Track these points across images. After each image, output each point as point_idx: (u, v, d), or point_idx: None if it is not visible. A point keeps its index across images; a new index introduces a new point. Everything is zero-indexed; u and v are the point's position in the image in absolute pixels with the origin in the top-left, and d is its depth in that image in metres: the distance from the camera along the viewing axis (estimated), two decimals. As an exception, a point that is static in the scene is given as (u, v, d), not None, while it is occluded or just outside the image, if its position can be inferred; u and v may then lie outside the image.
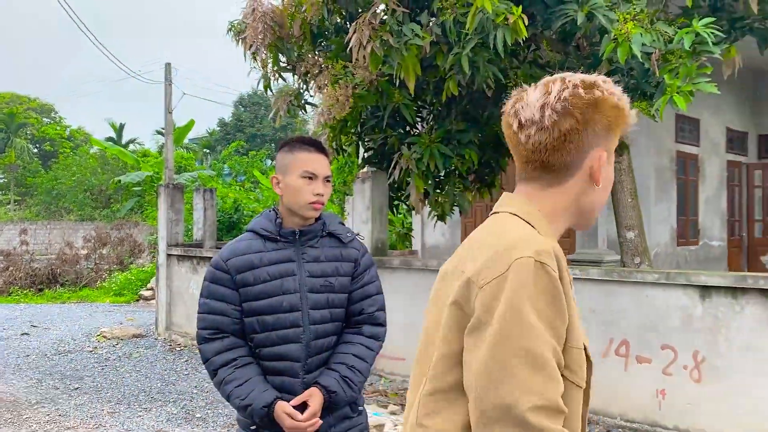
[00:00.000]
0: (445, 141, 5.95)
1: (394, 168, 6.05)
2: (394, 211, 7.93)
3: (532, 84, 1.27)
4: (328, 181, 2.14)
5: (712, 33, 4.77)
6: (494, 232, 1.23)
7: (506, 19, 4.46)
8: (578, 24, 4.71)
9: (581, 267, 5.51)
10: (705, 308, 4.56)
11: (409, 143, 6.03)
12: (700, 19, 4.86)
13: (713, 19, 4.87)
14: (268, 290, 2.06)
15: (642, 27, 4.75)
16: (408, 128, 6.68)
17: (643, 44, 4.69)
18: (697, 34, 4.76)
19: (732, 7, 6.38)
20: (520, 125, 1.22)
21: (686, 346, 4.61)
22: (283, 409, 2.01)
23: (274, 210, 2.18)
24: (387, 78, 5.66)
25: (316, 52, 6.35)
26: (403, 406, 5.53)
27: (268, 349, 2.07)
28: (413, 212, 10.02)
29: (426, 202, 6.52)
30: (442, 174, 6.32)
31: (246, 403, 2.01)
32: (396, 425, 4.95)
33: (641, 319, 4.85)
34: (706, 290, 4.56)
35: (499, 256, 1.14)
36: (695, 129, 10.86)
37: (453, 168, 6.23)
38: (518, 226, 1.21)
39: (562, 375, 1.10)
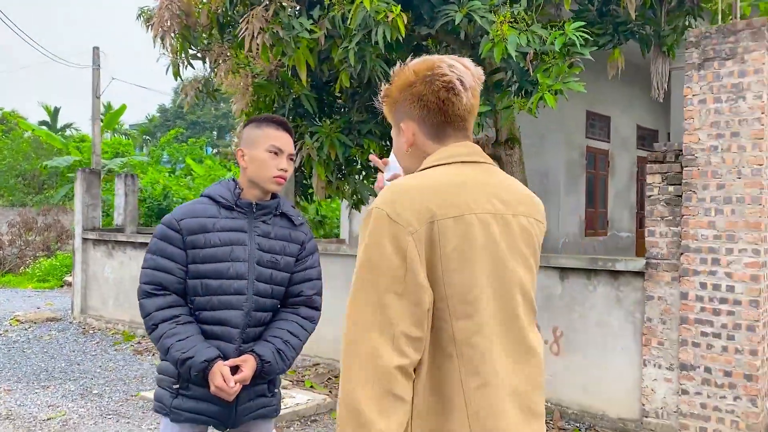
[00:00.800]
0: (345, 131, 6.24)
1: (297, 156, 6.31)
2: (308, 198, 8.19)
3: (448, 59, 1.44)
4: (291, 159, 2.22)
5: (583, 36, 5.17)
6: (509, 180, 1.45)
7: (387, 16, 4.77)
8: (457, 24, 5.05)
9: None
10: (564, 287, 4.99)
11: (312, 132, 6.29)
12: (572, 23, 5.26)
13: (583, 24, 5.28)
14: (217, 255, 2.10)
15: (517, 29, 5.12)
16: (316, 118, 6.94)
17: (519, 45, 5.06)
18: (570, 38, 5.16)
19: (617, 12, 6.86)
20: (464, 89, 1.40)
21: (548, 322, 5.04)
22: (221, 368, 2.06)
23: (233, 180, 2.23)
24: (286, 69, 5.90)
25: (223, 41, 6.54)
26: (296, 382, 5.82)
27: (208, 312, 2.11)
28: (343, 202, 10.31)
29: (328, 190, 6.79)
30: (342, 162, 6.60)
31: (188, 355, 2.03)
32: (281, 398, 5.23)
33: (511, 299, 5.24)
34: (564, 272, 5.00)
35: (537, 199, 1.49)
36: (606, 126, 11.46)
37: (354, 157, 6.53)
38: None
39: None
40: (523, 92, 5.71)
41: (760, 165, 4.13)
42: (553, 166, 10.32)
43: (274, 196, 2.25)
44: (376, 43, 4.85)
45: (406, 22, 4.85)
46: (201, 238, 2.10)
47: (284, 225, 2.24)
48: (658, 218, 4.55)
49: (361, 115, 6.36)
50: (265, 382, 2.21)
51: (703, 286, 4.32)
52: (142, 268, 2.16)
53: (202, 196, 2.23)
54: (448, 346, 1.29)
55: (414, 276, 1.26)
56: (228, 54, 6.32)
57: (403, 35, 4.88)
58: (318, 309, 2.31)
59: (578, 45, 5.17)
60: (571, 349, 4.95)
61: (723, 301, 4.24)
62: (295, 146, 6.51)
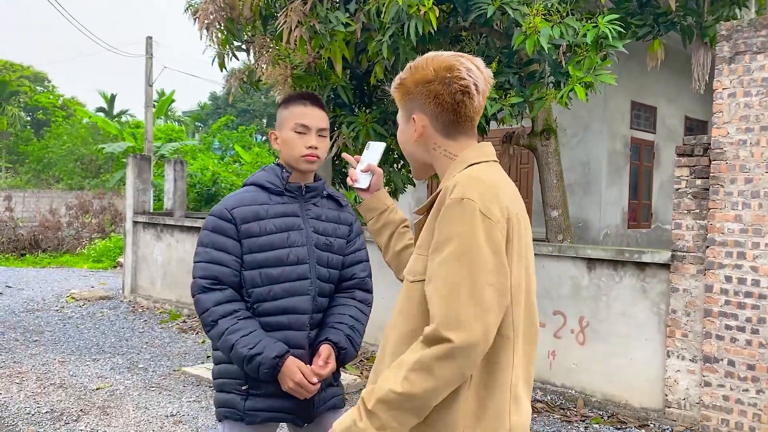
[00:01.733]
0: (381, 121, 6.40)
1: (333, 145, 6.50)
2: (346, 186, 8.40)
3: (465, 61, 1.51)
4: (323, 135, 2.10)
5: (616, 29, 5.19)
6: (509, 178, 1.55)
7: (419, 10, 4.89)
8: (489, 17, 5.13)
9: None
10: (590, 278, 5.06)
11: (348, 122, 6.48)
12: (606, 16, 5.27)
13: (616, 16, 5.29)
14: (274, 242, 2.01)
15: (551, 22, 5.17)
16: (354, 109, 7.13)
17: (552, 37, 5.11)
18: (601, 30, 5.18)
19: (657, 3, 6.79)
20: (477, 92, 1.50)
21: (574, 312, 5.12)
22: (297, 364, 1.96)
23: (278, 165, 2.13)
24: (324, 61, 6.09)
25: (265, 33, 6.76)
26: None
27: (269, 303, 2.00)
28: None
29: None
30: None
31: (255, 351, 1.92)
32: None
33: (538, 288, 5.33)
34: (591, 262, 5.06)
35: None
36: (652, 116, 11.28)
37: (390, 147, 6.69)
38: None
39: None
40: (555, 84, 5.75)
41: (789, 159, 4.10)
42: (596, 156, 10.24)
43: (316, 178, 2.17)
44: (409, 36, 4.98)
45: (438, 15, 4.96)
46: (255, 226, 2.01)
47: (332, 206, 2.17)
48: (685, 211, 4.57)
49: (395, 105, 6.50)
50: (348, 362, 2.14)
51: (729, 279, 4.33)
52: (195, 262, 2.04)
53: (246, 184, 2.13)
54: (507, 330, 1.40)
55: (504, 269, 1.35)
56: (270, 46, 6.54)
57: (435, 29, 4.99)
58: (371, 292, 2.23)
59: (611, 38, 5.19)
60: (596, 339, 5.01)
61: (748, 294, 4.25)
62: (332, 136, 6.75)
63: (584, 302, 5.07)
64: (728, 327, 4.32)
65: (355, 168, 1.89)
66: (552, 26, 5.12)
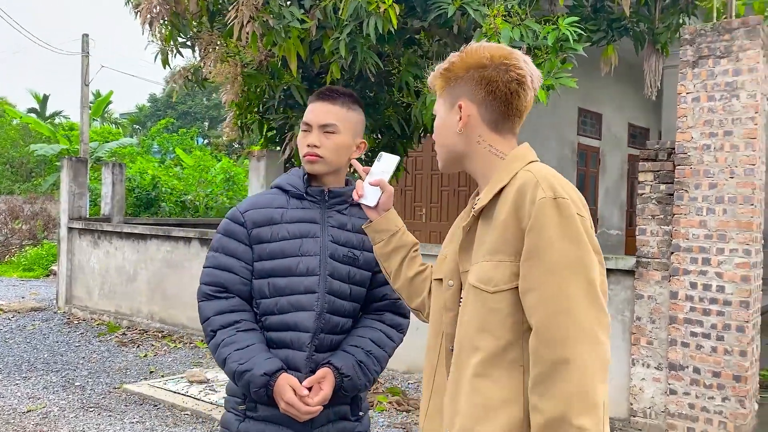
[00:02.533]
0: (336, 123, 6.16)
1: (286, 147, 6.23)
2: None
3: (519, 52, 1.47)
4: (329, 131, 1.85)
5: (576, 32, 5.12)
6: None
7: (378, 7, 4.69)
8: (450, 17, 4.98)
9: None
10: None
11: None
12: (566, 18, 5.20)
13: (577, 19, 5.22)
14: (285, 249, 1.83)
15: (511, 23, 5.06)
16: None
17: (513, 39, 5.00)
18: (563, 32, 5.10)
19: (611, 9, 6.81)
20: (532, 85, 1.46)
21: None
22: (288, 380, 1.74)
23: (301, 167, 1.95)
24: (276, 58, 5.82)
25: (213, 29, 6.43)
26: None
27: (275, 317, 1.82)
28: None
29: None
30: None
31: (245, 368, 1.74)
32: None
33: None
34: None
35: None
36: (598, 123, 11.44)
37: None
38: None
39: None
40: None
41: (753, 165, 4.09)
42: (546, 161, 10.14)
43: (348, 183, 1.96)
44: (368, 34, 4.77)
45: (398, 13, 4.78)
46: (267, 230, 1.83)
47: (363, 216, 1.88)
48: (649, 217, 4.51)
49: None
50: (347, 401, 1.88)
51: (694, 285, 4.29)
52: (204, 267, 1.88)
53: (273, 187, 1.97)
54: None
55: (601, 269, 1.29)
56: (218, 42, 6.22)
57: (396, 27, 4.81)
58: (407, 316, 1.98)
59: (571, 41, 5.11)
60: (560, 347, 4.91)
61: (713, 301, 4.21)
62: (285, 139, 6.47)
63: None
64: (693, 334, 4.28)
65: (363, 180, 1.68)
66: (512, 28, 5.01)
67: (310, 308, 1.81)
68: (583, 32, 5.34)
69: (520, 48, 5.21)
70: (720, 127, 4.20)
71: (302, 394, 1.73)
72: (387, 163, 1.69)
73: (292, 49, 5.16)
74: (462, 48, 1.45)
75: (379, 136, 6.89)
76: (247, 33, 4.97)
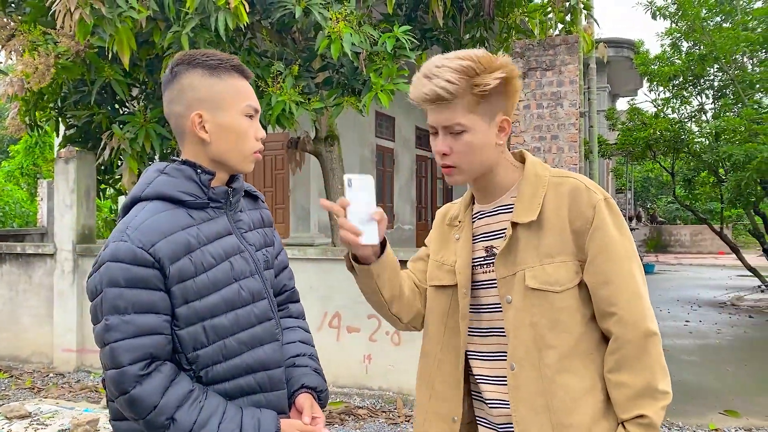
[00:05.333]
0: (162, 121, 5.75)
1: (104, 148, 5.66)
2: (101, 195, 7.39)
3: None
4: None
5: (409, 40, 5.42)
6: None
7: (228, 3, 4.51)
8: (296, 17, 4.96)
9: (300, 248, 5.83)
10: (404, 280, 5.21)
11: (122, 122, 5.69)
12: (398, 27, 5.48)
13: (410, 27, 5.54)
14: (216, 279, 1.42)
15: (351, 28, 5.19)
16: (119, 106, 6.29)
17: (353, 44, 5.13)
18: (398, 39, 5.37)
19: (423, 19, 7.30)
20: None
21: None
22: (293, 425, 1.47)
23: (189, 163, 1.46)
24: (96, 50, 5.27)
25: (5, 14, 5.59)
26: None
27: (224, 364, 1.44)
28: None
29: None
30: (158, 156, 6.09)
31: None
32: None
33: (352, 293, 5.33)
34: (403, 264, 5.20)
35: None
36: (391, 126, 12.12)
37: (171, 150, 6.06)
38: None
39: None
40: (352, 91, 5.81)
41: (575, 164, 4.74)
42: (349, 163, 10.62)
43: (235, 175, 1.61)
44: (216, 30, 4.55)
45: (248, 10, 4.64)
46: (188, 263, 1.39)
47: (251, 206, 1.63)
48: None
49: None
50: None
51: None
52: (111, 342, 1.34)
53: (144, 199, 1.44)
54: None
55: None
56: (15, 29, 5.42)
57: (246, 23, 4.66)
58: (300, 302, 1.76)
59: (407, 48, 5.42)
60: (412, 339, 5.18)
61: (546, 284, 4.79)
62: (100, 137, 5.87)
63: (399, 304, 5.20)
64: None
65: (345, 217, 1.41)
66: (353, 33, 5.15)
67: (272, 339, 1.50)
68: (415, 41, 5.68)
69: (359, 53, 5.38)
70: (548, 131, 4.78)
71: (313, 428, 1.50)
72: (364, 186, 1.45)
73: (125, 41, 4.72)
74: (473, 58, 1.37)
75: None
76: (74, 21, 4.42)
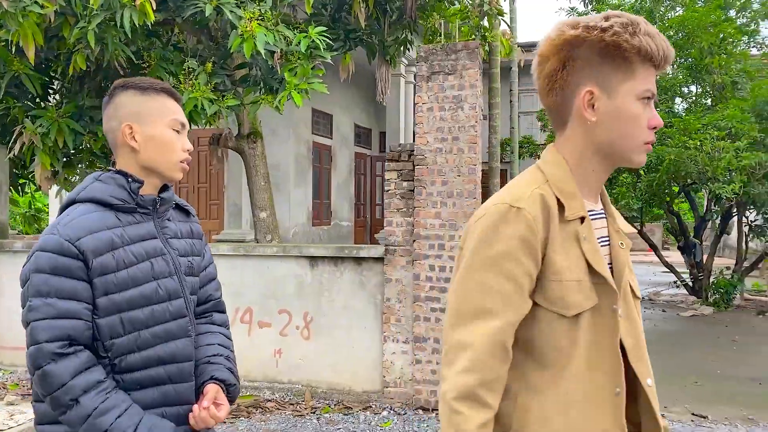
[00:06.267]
0: (75, 116, 5.72)
1: (15, 142, 5.60)
2: (20, 190, 7.28)
3: None
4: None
5: (325, 40, 5.53)
6: (507, 184, 1.33)
7: (134, 0, 4.54)
8: (207, 15, 5.02)
9: (214, 245, 5.89)
10: (313, 275, 5.33)
11: (34, 116, 5.64)
12: (315, 27, 5.58)
13: (325, 28, 5.65)
14: (136, 276, 1.59)
15: (266, 27, 5.27)
16: (40, 100, 6.22)
17: (267, 43, 5.21)
18: (313, 40, 5.47)
19: (347, 20, 7.43)
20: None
21: (299, 309, 5.34)
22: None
23: (121, 172, 1.65)
24: (4, 44, 5.21)
25: None
26: (24, 396, 5.20)
27: (138, 354, 1.58)
28: (57, 196, 9.29)
29: (55, 180, 6.17)
30: (73, 151, 6.06)
31: None
32: (12, 415, 4.66)
33: (263, 288, 5.43)
34: (314, 260, 5.34)
35: (488, 203, 1.27)
36: (329, 123, 12.21)
37: (85, 145, 6.03)
38: (526, 175, 1.30)
39: (536, 304, 1.21)
40: (269, 89, 5.89)
41: (475, 165, 4.94)
42: (284, 159, 10.70)
43: (165, 186, 1.78)
44: (122, 26, 4.58)
45: (155, 8, 4.67)
46: (111, 258, 1.56)
47: (181, 218, 1.80)
48: (395, 210, 5.14)
49: (92, 100, 5.89)
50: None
51: (432, 268, 5.02)
52: (32, 321, 1.51)
53: (78, 201, 1.62)
54: None
55: None
56: None
57: (152, 21, 4.69)
58: (225, 312, 1.93)
59: (321, 48, 5.53)
60: (321, 332, 5.31)
61: (447, 280, 4.98)
62: (12, 132, 5.79)
63: (308, 299, 5.33)
64: (433, 309, 5.01)
65: None
66: (267, 32, 5.23)
67: (185, 335, 1.66)
68: (331, 41, 5.80)
69: (274, 52, 5.47)
70: (449, 133, 4.97)
71: (209, 412, 1.64)
72: None
73: (29, 35, 4.70)
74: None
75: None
76: (-26, 14, 4.38)
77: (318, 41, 5.45)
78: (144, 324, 1.59)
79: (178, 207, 1.81)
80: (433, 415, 4.90)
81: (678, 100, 10.14)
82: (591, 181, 1.29)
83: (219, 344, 1.79)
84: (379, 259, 5.18)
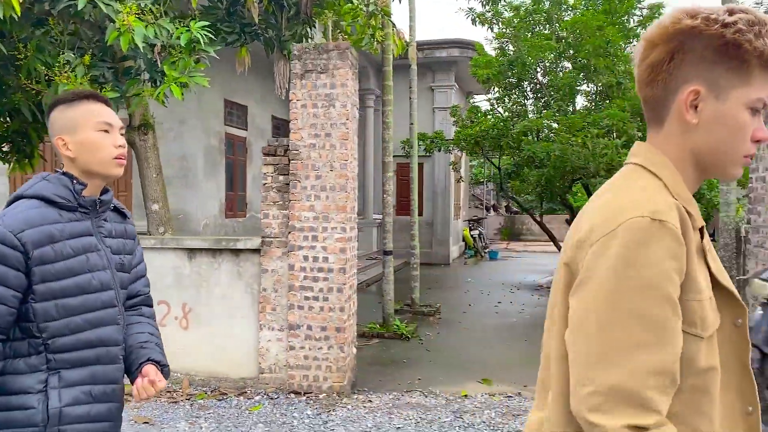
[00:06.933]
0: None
1: None
2: None
3: None
4: (122, 134, 1.90)
5: (206, 35, 5.62)
6: (615, 187, 1.16)
7: (-1, -8, 4.53)
8: (80, 9, 5.04)
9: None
10: (192, 267, 5.45)
11: None
12: (198, 22, 5.65)
13: (208, 23, 5.74)
14: (73, 267, 1.76)
15: (145, 21, 5.32)
16: None
17: (147, 36, 5.27)
18: (194, 34, 5.55)
19: (243, 14, 7.51)
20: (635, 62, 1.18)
21: (177, 299, 5.45)
22: None
23: (66, 174, 1.82)
24: None
25: None
26: None
27: (69, 337, 1.77)
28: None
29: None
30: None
31: None
32: None
33: (142, 280, 5.51)
34: (192, 252, 5.46)
35: (613, 214, 1.07)
36: (243, 115, 12.22)
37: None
38: (640, 180, 1.14)
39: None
40: (152, 81, 5.93)
41: (346, 160, 5.16)
42: (193, 151, 10.67)
43: (105, 189, 1.95)
44: (-11, 18, 4.56)
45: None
46: (50, 250, 1.74)
47: (117, 219, 1.98)
48: (272, 203, 5.31)
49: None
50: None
51: (306, 258, 5.22)
52: None
53: (25, 197, 1.79)
54: None
55: None
56: None
57: (19, 14, 4.68)
58: (152, 306, 2.15)
59: (203, 43, 5.62)
60: (199, 322, 5.44)
61: (320, 270, 5.20)
62: None
63: (187, 290, 5.44)
64: (307, 298, 5.22)
65: None
66: (146, 26, 5.29)
67: (113, 322, 1.86)
68: (214, 36, 5.89)
69: (155, 45, 5.53)
70: (322, 129, 5.17)
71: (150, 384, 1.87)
72: None
73: None
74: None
75: (9, 120, 6.49)
76: None
77: (199, 36, 5.54)
78: (76, 310, 1.78)
79: (116, 209, 2.01)
80: (304, 398, 5.12)
81: (580, 98, 10.68)
82: (687, 188, 1.16)
83: (149, 333, 2.00)
84: (256, 251, 5.35)
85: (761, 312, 3.10)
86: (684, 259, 1.04)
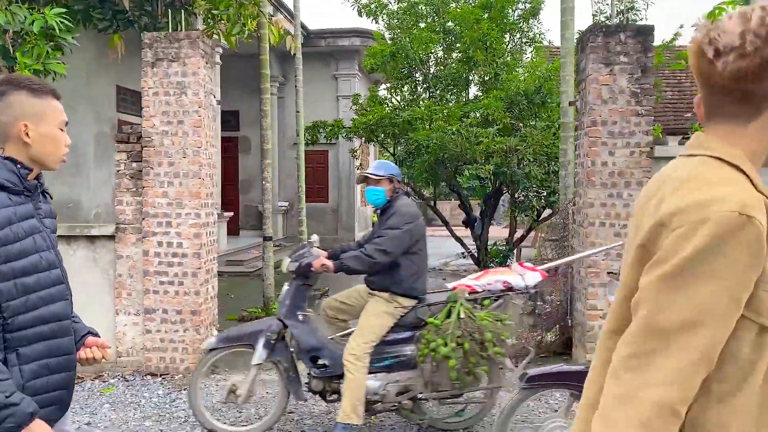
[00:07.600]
0: None
1: None
2: None
3: (726, 14, 1.19)
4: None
5: (62, 22, 5.60)
6: (697, 176, 1.14)
7: None
8: None
9: None
10: (46, 254, 5.47)
11: None
12: (61, 9, 5.62)
13: (64, 10, 5.71)
14: (26, 248, 1.87)
15: (-4, 7, 5.27)
16: None
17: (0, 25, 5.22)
18: (48, 22, 5.53)
19: (115, 1, 7.47)
20: (717, 52, 1.13)
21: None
22: (43, 427, 1.82)
23: (11, 159, 1.90)
24: None
25: None
26: None
27: (27, 315, 1.87)
28: None
29: None
30: None
31: (11, 401, 1.75)
32: None
33: None
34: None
35: (701, 203, 1.07)
36: (137, 100, 12.03)
37: None
38: (722, 171, 1.14)
39: (743, 317, 1.08)
40: (8, 69, 5.87)
41: (199, 147, 5.29)
42: (84, 139, 10.48)
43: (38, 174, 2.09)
44: None
45: None
46: (9, 232, 1.84)
47: (44, 201, 2.10)
48: (125, 190, 5.39)
49: None
50: None
51: (160, 244, 5.33)
52: None
53: None
54: None
55: None
56: None
57: None
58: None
59: (59, 30, 5.60)
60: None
61: (175, 255, 5.33)
62: None
63: (41, 276, 5.45)
64: (162, 282, 5.34)
65: None
66: (-3, 12, 5.24)
67: (63, 298, 1.99)
68: (72, 23, 5.87)
69: (6, 32, 5.48)
70: (175, 117, 5.28)
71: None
72: None
73: None
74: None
75: None
76: None
77: (54, 23, 5.53)
78: (32, 289, 1.90)
79: (43, 191, 2.14)
80: (160, 379, 5.26)
81: (474, 89, 11.11)
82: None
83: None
84: (111, 237, 5.42)
85: None
86: (763, 255, 1.06)
